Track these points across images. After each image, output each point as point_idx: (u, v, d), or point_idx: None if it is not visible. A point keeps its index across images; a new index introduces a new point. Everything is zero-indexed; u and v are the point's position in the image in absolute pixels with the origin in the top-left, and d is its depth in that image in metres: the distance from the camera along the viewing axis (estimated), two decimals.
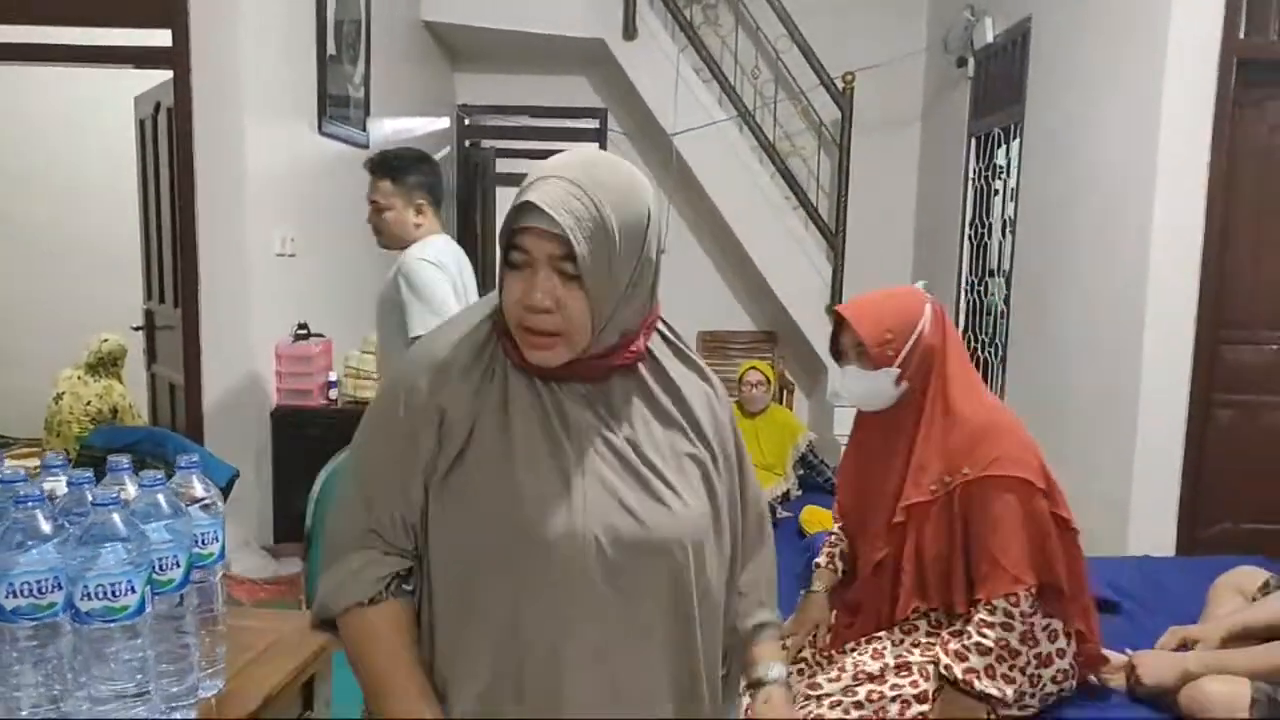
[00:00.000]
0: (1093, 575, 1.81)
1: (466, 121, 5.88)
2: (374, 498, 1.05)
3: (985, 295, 4.53)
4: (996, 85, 4.43)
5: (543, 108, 5.97)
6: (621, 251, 0.98)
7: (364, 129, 4.02)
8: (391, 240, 2.60)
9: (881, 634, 1.76)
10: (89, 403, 4.22)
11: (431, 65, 5.31)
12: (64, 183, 5.18)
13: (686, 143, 5.10)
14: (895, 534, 1.72)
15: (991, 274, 4.49)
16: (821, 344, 5.15)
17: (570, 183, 0.96)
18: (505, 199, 7.81)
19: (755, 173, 5.14)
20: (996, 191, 4.49)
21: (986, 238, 4.55)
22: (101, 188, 5.03)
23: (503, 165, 5.73)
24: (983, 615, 1.64)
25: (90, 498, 1.09)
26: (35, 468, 1.39)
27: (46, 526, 1.06)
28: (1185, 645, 1.93)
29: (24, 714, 1.04)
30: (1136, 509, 3.13)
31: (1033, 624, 1.66)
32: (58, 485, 1.15)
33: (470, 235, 5.99)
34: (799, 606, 1.92)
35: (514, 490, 0.99)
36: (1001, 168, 4.41)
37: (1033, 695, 1.70)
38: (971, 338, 4.69)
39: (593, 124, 5.88)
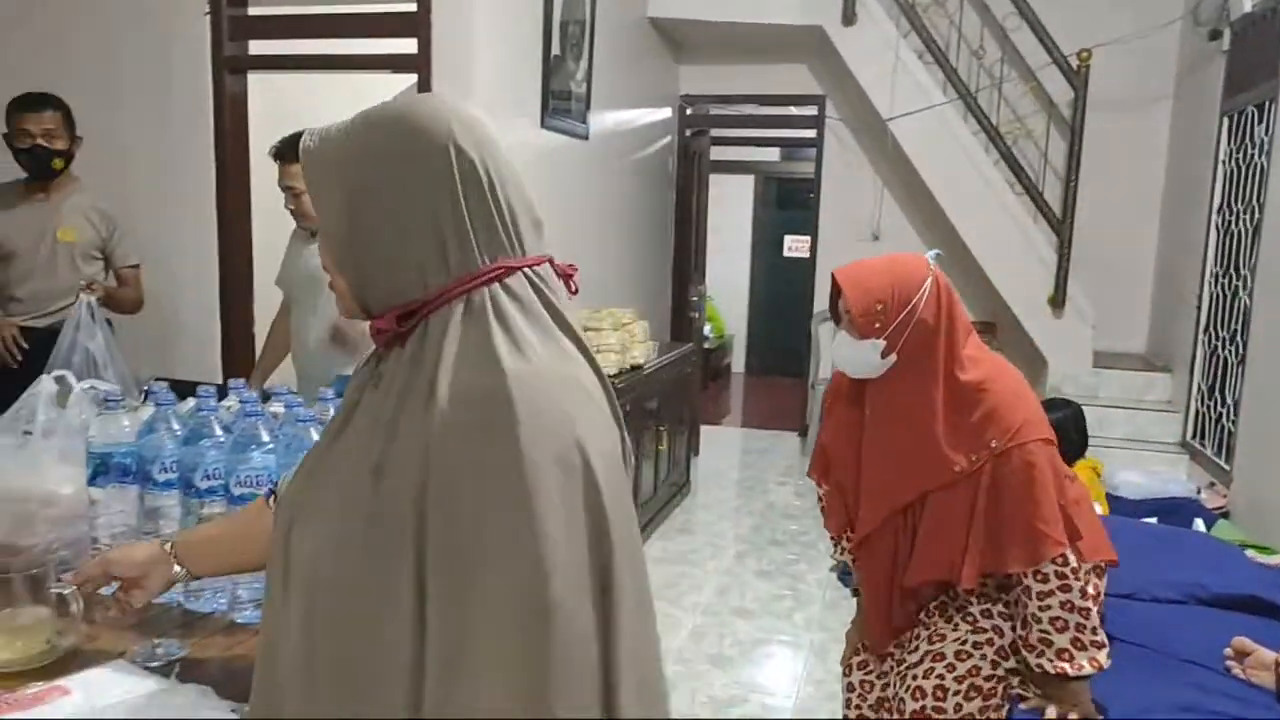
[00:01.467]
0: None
1: (688, 111, 6.12)
2: None
3: (1230, 288, 4.14)
4: (1253, 59, 4.01)
5: (763, 96, 6.10)
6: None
7: (584, 121, 4.35)
8: (309, 221, 2.62)
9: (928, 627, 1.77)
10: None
11: (655, 59, 5.57)
12: None
13: (904, 127, 5.03)
14: (902, 508, 1.70)
15: (1237, 266, 4.09)
16: (1043, 338, 4.91)
17: None
18: (726, 186, 8.03)
19: (977, 158, 4.97)
20: (1251, 175, 4.08)
21: (1235, 225, 4.14)
22: None
23: (717, 153, 5.91)
24: (1037, 587, 1.61)
25: (298, 418, 1.40)
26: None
27: (265, 436, 1.38)
28: None
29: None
30: None
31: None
32: (276, 407, 1.47)
33: (687, 219, 6.24)
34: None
35: None
36: (1255, 149, 4.00)
37: None
38: (1212, 335, 4.30)
39: (811, 110, 5.94)
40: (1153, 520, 3.19)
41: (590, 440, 0.80)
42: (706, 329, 7.59)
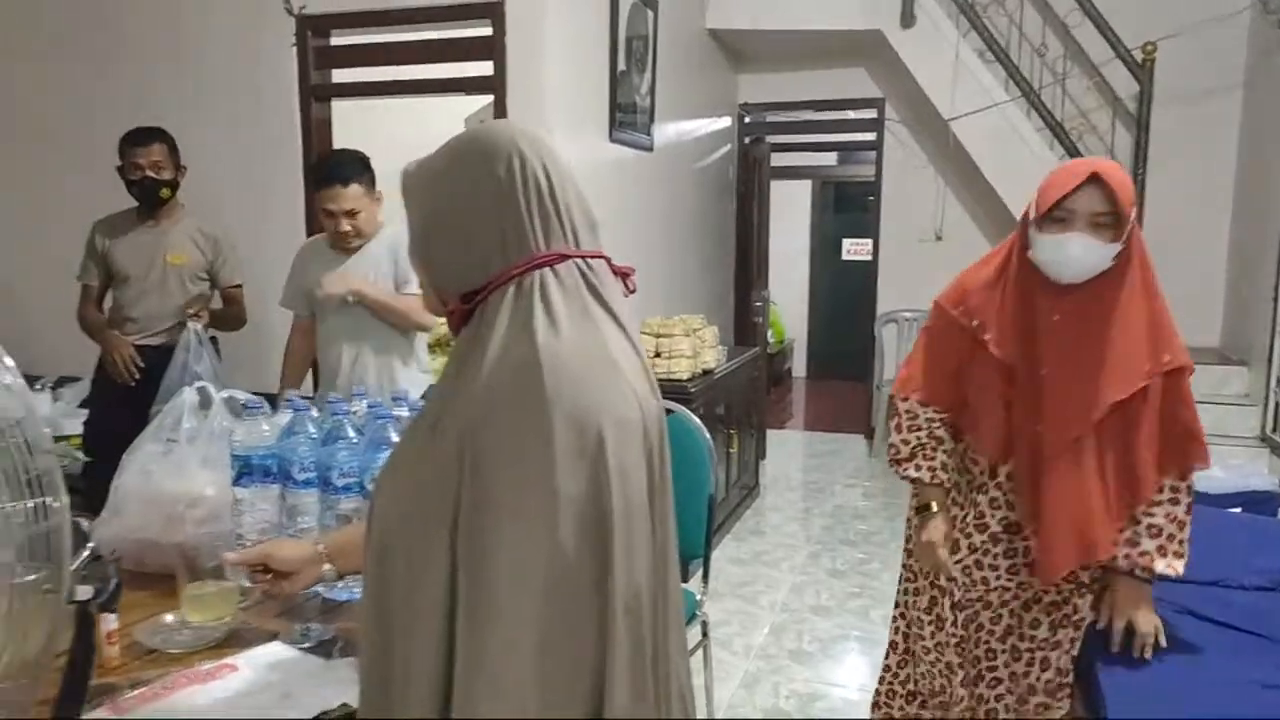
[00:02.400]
0: None
1: (746, 119, 6.20)
2: None
3: None
4: None
5: (821, 101, 6.15)
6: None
7: (649, 133, 4.46)
8: (366, 239, 2.77)
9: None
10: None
11: (714, 69, 5.67)
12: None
13: (965, 127, 5.04)
14: (1098, 422, 1.67)
15: None
16: None
17: None
18: (783, 191, 8.07)
19: (1041, 155, 4.96)
20: None
21: None
22: None
23: (778, 159, 5.97)
24: (1170, 497, 1.70)
25: None
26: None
27: (394, 436, 1.50)
28: None
29: None
30: None
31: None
32: (401, 411, 1.59)
33: (748, 226, 6.31)
34: (924, 534, 1.82)
35: None
36: None
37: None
38: None
39: (870, 114, 5.97)
40: (1237, 512, 3.16)
41: (607, 408, 0.89)
42: (768, 334, 7.64)
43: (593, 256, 0.98)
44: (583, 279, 0.96)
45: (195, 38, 3.80)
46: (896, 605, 2.05)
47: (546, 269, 0.94)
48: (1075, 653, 1.84)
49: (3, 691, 0.79)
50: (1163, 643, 1.77)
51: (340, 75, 3.84)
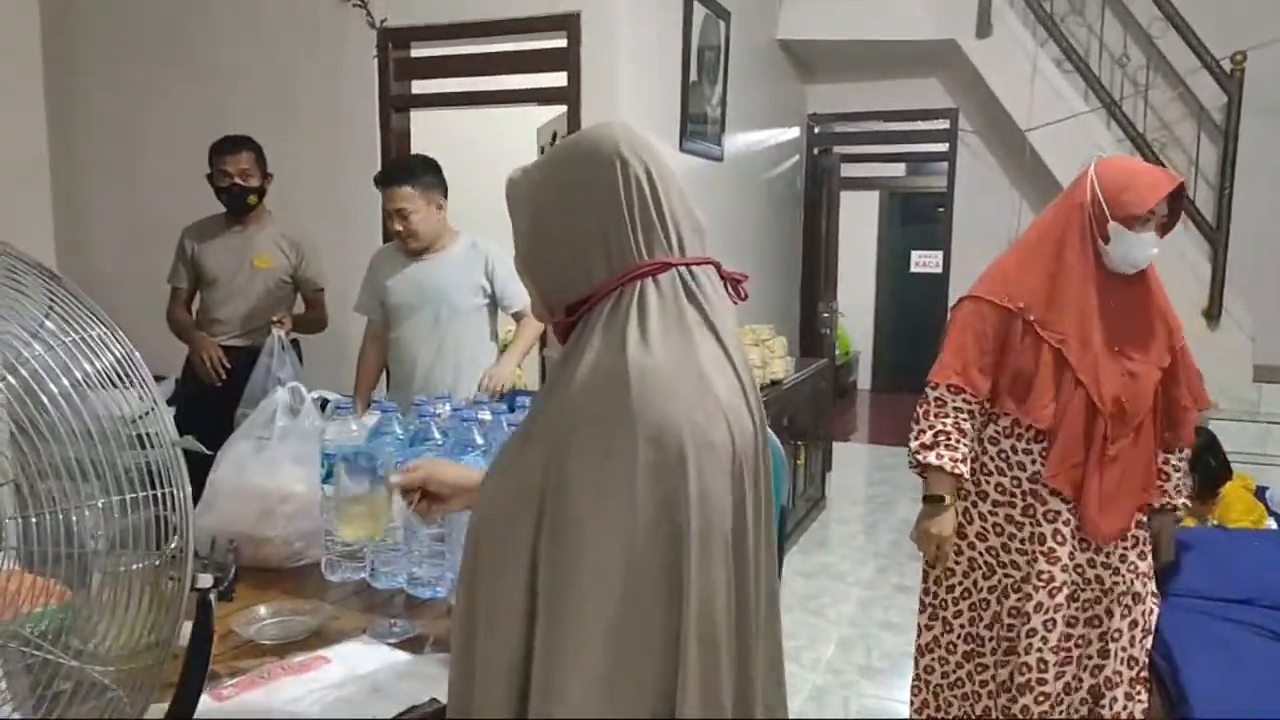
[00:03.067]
0: None
1: (816, 130, 6.16)
2: None
3: None
4: None
5: (892, 112, 6.08)
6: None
7: (719, 144, 4.47)
8: (423, 240, 2.83)
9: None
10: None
11: (783, 80, 5.65)
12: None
13: (1042, 138, 4.94)
14: (1147, 407, 1.90)
15: None
16: (1198, 351, 4.67)
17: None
18: (850, 202, 8.00)
19: None
20: None
21: None
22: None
23: (848, 170, 5.91)
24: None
25: (504, 423, 1.55)
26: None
27: (479, 439, 1.52)
28: None
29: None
30: None
31: None
32: (484, 414, 1.62)
33: (816, 237, 6.27)
34: (934, 526, 1.98)
35: None
36: None
37: None
38: None
39: (943, 125, 5.89)
40: None
41: (690, 427, 0.87)
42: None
43: (699, 263, 0.96)
44: (683, 288, 0.94)
45: (282, 50, 3.92)
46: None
47: (648, 279, 0.93)
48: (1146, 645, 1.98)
49: (130, 674, 0.82)
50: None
51: (419, 86, 3.92)
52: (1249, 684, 1.79)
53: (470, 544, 0.98)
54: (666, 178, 0.98)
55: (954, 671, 2.08)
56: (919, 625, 2.15)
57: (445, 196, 2.87)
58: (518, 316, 2.97)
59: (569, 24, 3.51)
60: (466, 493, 1.32)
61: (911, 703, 2.19)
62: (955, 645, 2.06)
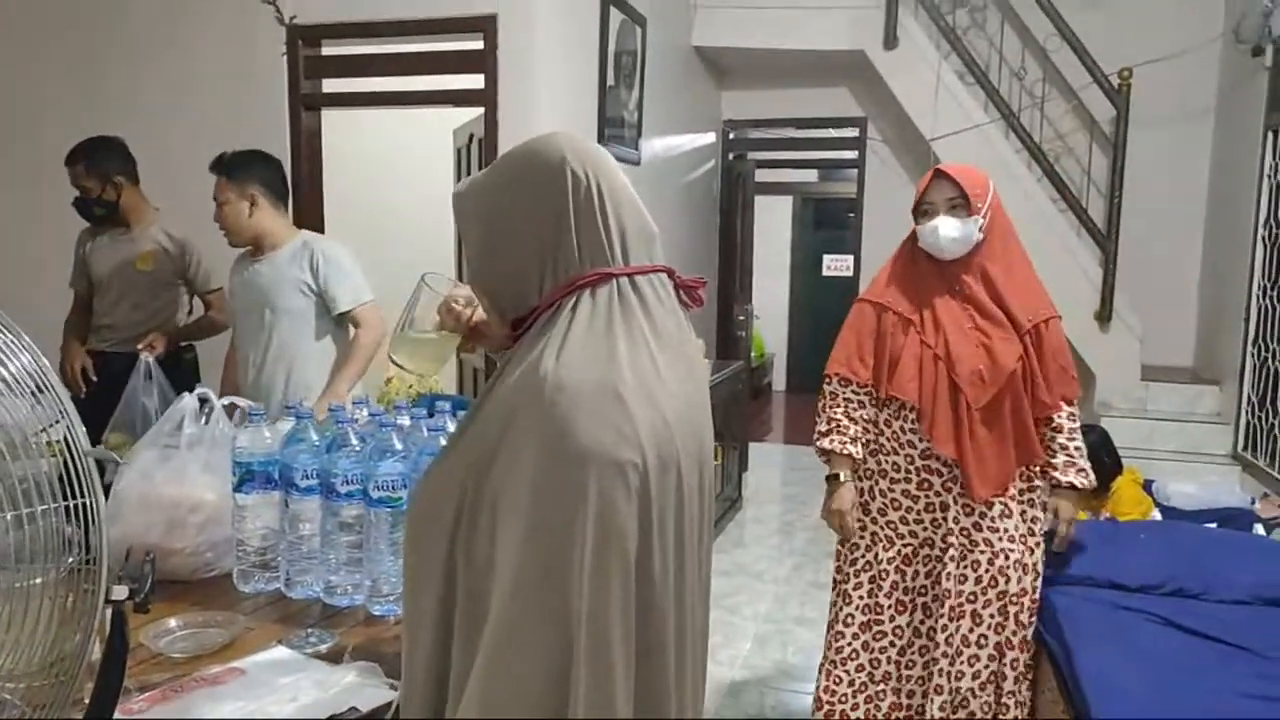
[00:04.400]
0: None
1: (731, 136, 6.26)
2: None
3: (1278, 300, 4.17)
4: None
5: (804, 119, 6.22)
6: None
7: (636, 147, 4.50)
8: (234, 235, 2.69)
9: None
10: (410, 385, 5.07)
11: (699, 86, 5.73)
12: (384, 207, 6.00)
13: (945, 147, 5.12)
14: (1006, 374, 2.04)
15: None
16: (1090, 352, 4.94)
17: None
18: (764, 207, 8.15)
19: (1019, 175, 5.05)
20: None
21: None
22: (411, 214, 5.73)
23: (762, 175, 6.01)
24: (1069, 424, 2.11)
25: (424, 428, 1.54)
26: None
27: (398, 445, 1.51)
28: None
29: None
30: None
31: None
32: (404, 419, 1.61)
33: (731, 241, 6.36)
34: (833, 502, 2.19)
35: None
36: None
37: None
38: (1261, 347, 4.33)
39: (853, 132, 6.05)
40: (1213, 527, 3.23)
41: (596, 447, 0.87)
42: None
43: (643, 272, 0.97)
44: (618, 299, 0.94)
45: (187, 43, 3.79)
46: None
47: (585, 291, 0.93)
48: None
49: (40, 690, 0.79)
50: (1073, 534, 2.18)
51: (332, 85, 3.84)
52: (1141, 667, 1.89)
53: (404, 543, 1.01)
54: (615, 187, 0.98)
55: (851, 643, 2.22)
56: (829, 606, 2.31)
57: (278, 196, 2.72)
58: (354, 322, 2.76)
59: (485, 26, 3.49)
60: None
61: (818, 681, 2.29)
62: (853, 617, 2.21)
